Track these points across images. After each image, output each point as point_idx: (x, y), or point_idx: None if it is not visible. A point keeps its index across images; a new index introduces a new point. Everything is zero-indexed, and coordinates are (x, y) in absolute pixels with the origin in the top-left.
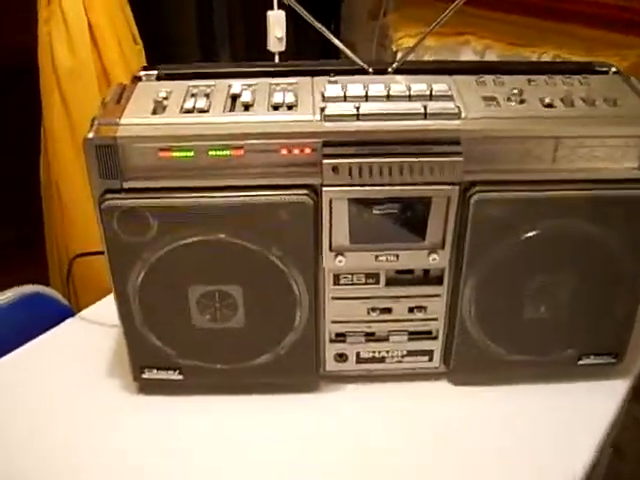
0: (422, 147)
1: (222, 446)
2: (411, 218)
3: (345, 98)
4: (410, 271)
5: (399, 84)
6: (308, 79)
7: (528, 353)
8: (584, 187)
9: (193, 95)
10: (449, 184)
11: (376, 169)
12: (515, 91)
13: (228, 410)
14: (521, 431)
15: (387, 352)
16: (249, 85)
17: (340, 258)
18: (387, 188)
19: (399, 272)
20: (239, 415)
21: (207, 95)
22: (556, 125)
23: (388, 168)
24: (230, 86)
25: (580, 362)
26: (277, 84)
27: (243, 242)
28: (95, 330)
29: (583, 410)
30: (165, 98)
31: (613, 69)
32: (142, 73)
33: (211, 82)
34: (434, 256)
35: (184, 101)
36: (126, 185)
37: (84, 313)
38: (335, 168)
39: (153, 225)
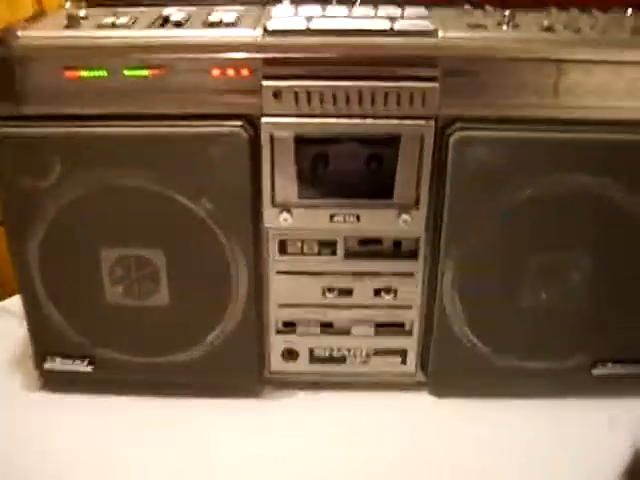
0: (387, 69)
1: (134, 460)
2: (375, 166)
3: (296, 14)
4: (376, 241)
5: (365, 7)
6: (259, 6)
7: (526, 357)
8: (597, 130)
9: (118, 15)
10: (422, 118)
11: (328, 95)
12: (506, 14)
13: (146, 416)
14: (517, 459)
15: (348, 350)
16: (188, 10)
17: (285, 216)
18: (343, 121)
19: (362, 242)
20: (160, 424)
21: (135, 17)
22: (557, 47)
23: (344, 94)
24: (164, 8)
25: (594, 371)
26: (220, 8)
27: (164, 189)
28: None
29: (597, 437)
30: (84, 18)
31: None
32: (69, 4)
33: (146, 9)
34: (405, 217)
35: (104, 18)
36: (24, 110)
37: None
38: (277, 93)
39: (55, 163)
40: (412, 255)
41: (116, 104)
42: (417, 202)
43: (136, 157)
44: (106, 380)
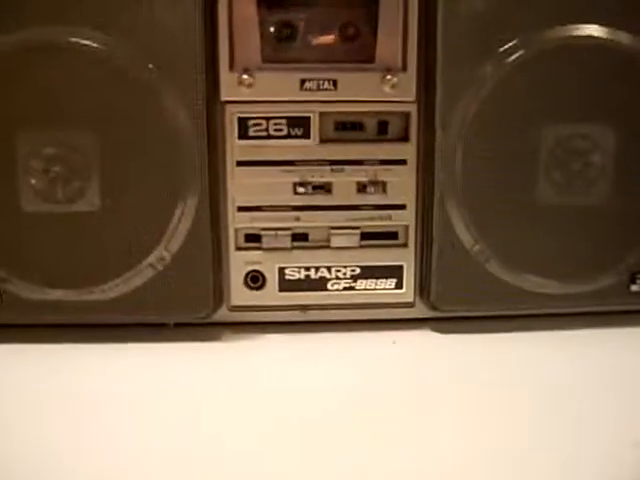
0: None
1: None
2: (353, 21)
3: None
4: (357, 125)
5: None
6: None
7: (550, 275)
8: None
9: None
10: None
11: None
12: None
13: (69, 366)
14: (543, 405)
15: (328, 269)
16: None
17: (247, 81)
18: None
19: (341, 126)
20: (87, 375)
21: None
22: None
23: None
24: None
25: (634, 287)
26: None
27: (102, 48)
28: None
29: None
30: None
31: None
32: None
33: None
34: (391, 80)
35: None
36: None
37: None
38: None
39: None
40: (402, 137)
41: None
42: (404, 63)
43: (72, 8)
44: (17, 323)
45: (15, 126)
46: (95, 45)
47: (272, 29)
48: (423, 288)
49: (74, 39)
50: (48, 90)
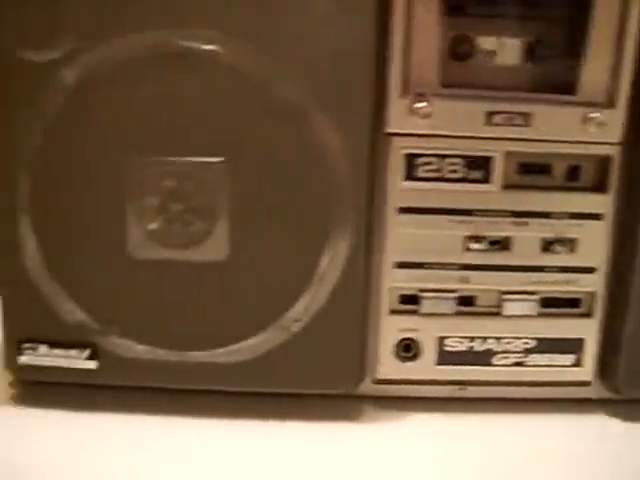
0: None
1: None
2: (547, 43)
3: None
4: (544, 169)
5: None
6: None
7: None
8: None
9: None
10: None
11: None
12: None
13: (181, 447)
14: None
15: (497, 340)
16: None
17: (423, 107)
18: None
19: (524, 168)
20: (194, 459)
21: None
22: None
23: None
24: None
25: None
26: None
27: (235, 60)
28: None
29: None
30: None
31: None
32: None
33: None
34: (597, 117)
35: None
36: None
37: None
38: None
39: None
40: (597, 187)
41: None
42: (612, 97)
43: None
44: (114, 384)
45: (123, 156)
46: (227, 56)
47: (453, 43)
48: (604, 367)
49: (201, 46)
50: (171, 109)
